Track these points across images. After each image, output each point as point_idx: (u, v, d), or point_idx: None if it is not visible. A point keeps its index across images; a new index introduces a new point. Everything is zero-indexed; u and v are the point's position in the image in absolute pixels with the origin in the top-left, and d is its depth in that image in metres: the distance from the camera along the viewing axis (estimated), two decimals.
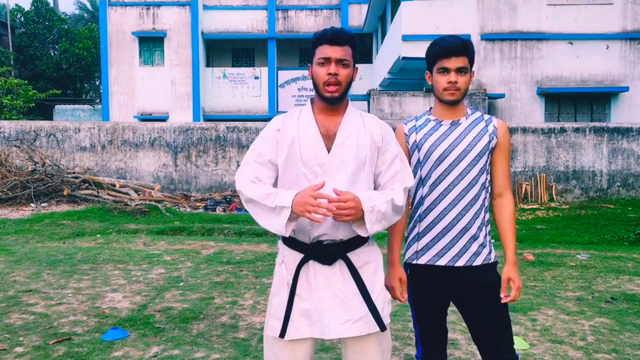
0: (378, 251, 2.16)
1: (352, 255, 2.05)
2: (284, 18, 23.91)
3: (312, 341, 2.10)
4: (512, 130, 12.75)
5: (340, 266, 2.04)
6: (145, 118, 22.06)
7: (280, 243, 2.18)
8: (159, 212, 10.45)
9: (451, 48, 2.18)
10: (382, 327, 2.04)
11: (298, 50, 25.39)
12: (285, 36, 23.91)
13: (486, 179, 2.27)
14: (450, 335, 3.93)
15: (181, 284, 5.43)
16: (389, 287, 2.22)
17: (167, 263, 6.40)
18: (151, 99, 22.71)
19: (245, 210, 11.57)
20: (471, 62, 2.24)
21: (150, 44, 23.02)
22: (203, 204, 11.73)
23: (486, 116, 2.32)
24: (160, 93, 22.69)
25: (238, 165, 13.13)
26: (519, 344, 3.76)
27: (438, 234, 2.24)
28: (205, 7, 23.64)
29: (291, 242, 2.09)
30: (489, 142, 2.25)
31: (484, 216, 2.26)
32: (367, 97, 16.23)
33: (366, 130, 2.07)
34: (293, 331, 2.05)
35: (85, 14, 37.86)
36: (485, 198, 2.27)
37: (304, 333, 2.04)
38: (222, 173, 13.15)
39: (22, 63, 27.86)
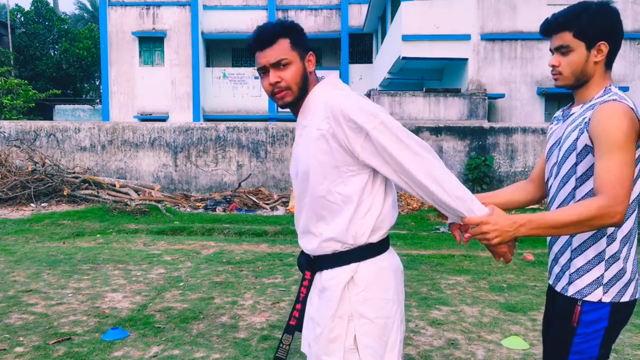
0: (343, 278, 1.73)
1: (318, 275, 1.80)
2: (284, 18, 23.88)
3: None
4: (512, 130, 12.75)
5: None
6: (145, 118, 22.06)
7: None
8: (159, 212, 10.45)
9: (544, 27, 1.82)
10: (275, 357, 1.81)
11: None
12: None
13: (575, 188, 1.76)
14: (450, 335, 3.94)
15: (181, 284, 5.43)
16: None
17: (167, 263, 6.40)
18: (151, 99, 22.72)
19: (245, 210, 11.49)
20: (583, 34, 1.74)
21: (150, 44, 23.03)
22: (203, 204, 11.73)
23: (603, 100, 1.74)
24: (160, 93, 22.71)
25: (238, 165, 13.14)
26: (519, 344, 3.77)
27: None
28: (205, 7, 23.66)
29: None
30: (577, 138, 1.74)
31: (569, 237, 1.79)
32: (367, 97, 16.25)
33: (313, 124, 1.73)
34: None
35: (85, 14, 37.89)
36: None
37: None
38: (222, 173, 13.15)
39: (22, 63, 27.86)
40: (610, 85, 1.78)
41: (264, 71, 1.75)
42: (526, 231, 1.63)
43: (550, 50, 1.85)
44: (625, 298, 1.73)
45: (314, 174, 1.72)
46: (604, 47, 1.75)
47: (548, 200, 1.93)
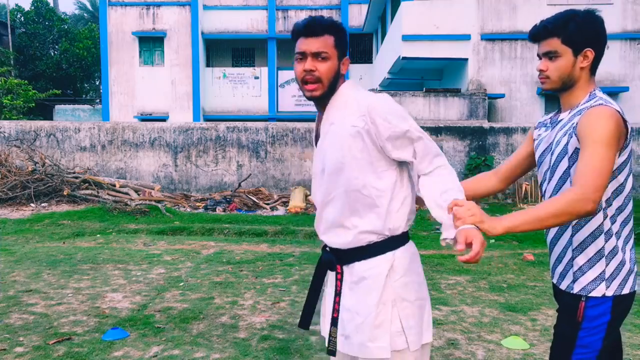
0: (383, 269, 1.81)
1: (350, 268, 1.85)
2: (284, 18, 23.92)
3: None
4: (512, 130, 12.75)
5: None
6: (145, 118, 22.06)
7: None
8: (159, 212, 10.45)
9: (533, 33, 1.90)
10: (327, 350, 1.87)
11: None
12: (285, 36, 23.91)
13: None
14: (450, 335, 3.94)
15: (181, 284, 5.43)
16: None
17: (167, 263, 6.40)
18: (151, 99, 22.71)
19: (245, 210, 11.50)
20: (570, 41, 1.82)
21: (150, 44, 23.02)
22: (203, 204, 11.73)
23: (590, 105, 1.81)
24: (160, 93, 22.70)
25: (238, 165, 13.14)
26: (519, 344, 3.77)
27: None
28: (205, 7, 23.65)
29: None
30: (567, 143, 1.82)
31: (569, 237, 1.86)
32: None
33: (345, 121, 1.80)
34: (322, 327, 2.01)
35: (85, 14, 37.89)
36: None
37: (321, 331, 2.00)
38: (222, 173, 13.15)
39: (22, 63, 27.86)
40: (594, 90, 1.87)
41: (301, 57, 1.81)
42: (509, 223, 1.66)
43: (538, 55, 1.92)
44: (626, 290, 1.81)
45: (349, 169, 1.79)
46: (590, 53, 1.84)
47: None
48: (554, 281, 1.96)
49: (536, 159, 2.02)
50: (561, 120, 1.91)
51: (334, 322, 1.87)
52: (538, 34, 1.88)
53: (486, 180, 2.22)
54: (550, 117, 2.01)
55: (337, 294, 1.87)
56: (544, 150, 1.95)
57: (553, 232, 1.94)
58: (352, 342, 1.82)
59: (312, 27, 1.80)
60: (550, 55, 1.86)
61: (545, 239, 2.02)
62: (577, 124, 1.79)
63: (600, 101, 1.80)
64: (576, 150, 1.79)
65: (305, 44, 1.80)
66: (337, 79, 1.83)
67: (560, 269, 1.91)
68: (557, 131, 1.90)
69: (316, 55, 1.79)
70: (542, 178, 1.98)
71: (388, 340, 1.77)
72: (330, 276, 1.93)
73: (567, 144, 1.82)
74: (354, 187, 1.80)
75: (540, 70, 1.90)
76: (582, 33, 1.82)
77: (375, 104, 1.77)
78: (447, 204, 1.69)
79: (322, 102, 1.86)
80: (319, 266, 1.98)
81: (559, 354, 1.88)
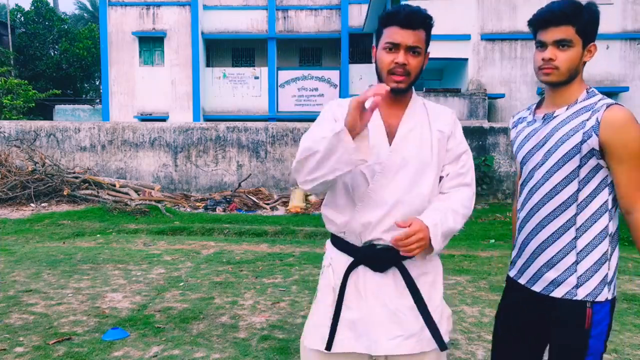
0: (438, 262, 1.91)
1: (409, 264, 1.81)
2: (284, 18, 23.91)
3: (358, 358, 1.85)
4: None
5: (393, 274, 1.80)
6: (145, 118, 22.06)
7: (328, 244, 1.95)
8: (159, 212, 10.45)
9: (546, 16, 1.76)
10: (442, 346, 1.80)
11: (298, 50, 25.40)
12: (285, 36, 23.92)
13: (578, 190, 1.74)
14: (450, 335, 3.94)
15: (181, 284, 5.43)
16: None
17: (167, 263, 6.40)
18: (151, 99, 22.72)
19: (245, 211, 11.46)
20: (583, 32, 1.73)
21: (150, 44, 23.02)
22: (203, 204, 11.73)
23: (601, 103, 1.73)
24: (160, 93, 22.70)
25: (238, 165, 13.13)
26: None
27: (520, 247, 1.91)
28: (205, 7, 23.65)
29: (341, 244, 1.86)
30: (582, 141, 1.70)
31: (571, 239, 1.76)
32: None
33: (432, 124, 1.83)
34: (337, 342, 1.83)
35: (85, 14, 37.89)
36: (574, 215, 1.75)
37: (346, 346, 1.82)
38: (222, 173, 13.15)
39: (22, 63, 27.86)
40: (590, 87, 1.80)
41: (392, 47, 1.76)
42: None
43: (541, 42, 1.79)
44: (616, 293, 1.82)
45: (434, 168, 1.81)
46: (594, 48, 1.77)
47: (529, 206, 1.86)
48: (537, 289, 1.84)
49: (519, 156, 1.92)
50: (557, 115, 1.79)
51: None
52: (553, 18, 1.74)
53: None
54: (539, 115, 1.87)
55: (415, 295, 1.80)
56: (532, 147, 1.84)
57: (542, 236, 1.81)
58: (420, 338, 1.80)
59: (413, 19, 1.74)
60: (563, 44, 1.73)
61: (524, 244, 1.89)
62: (598, 124, 1.68)
63: (608, 100, 1.75)
64: (591, 151, 1.70)
65: (401, 35, 1.74)
66: (420, 75, 1.83)
67: (553, 275, 1.79)
68: (556, 128, 1.77)
69: (410, 49, 1.75)
70: (526, 176, 1.87)
71: (448, 328, 1.90)
72: (367, 280, 1.81)
73: (581, 142, 1.70)
74: (427, 191, 1.80)
75: (549, 59, 1.74)
76: (592, 25, 1.75)
77: (456, 119, 1.92)
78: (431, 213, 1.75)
79: (401, 95, 1.82)
80: (350, 269, 1.84)
81: None
